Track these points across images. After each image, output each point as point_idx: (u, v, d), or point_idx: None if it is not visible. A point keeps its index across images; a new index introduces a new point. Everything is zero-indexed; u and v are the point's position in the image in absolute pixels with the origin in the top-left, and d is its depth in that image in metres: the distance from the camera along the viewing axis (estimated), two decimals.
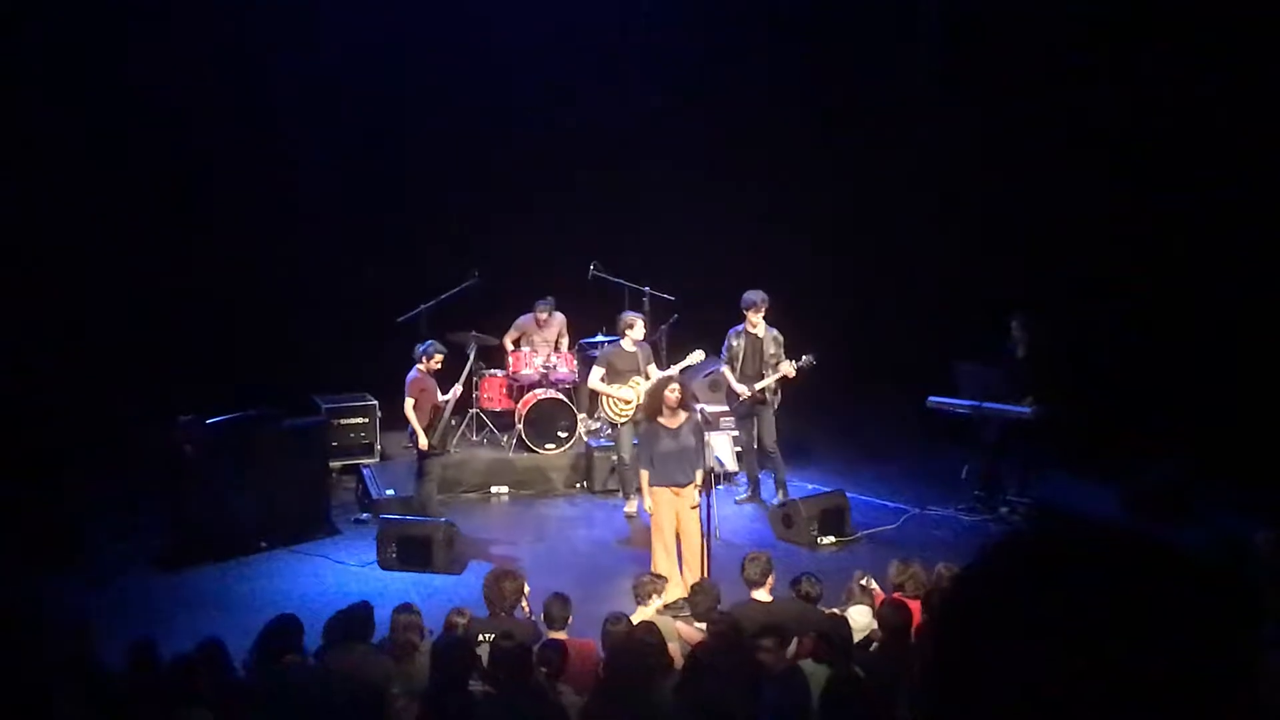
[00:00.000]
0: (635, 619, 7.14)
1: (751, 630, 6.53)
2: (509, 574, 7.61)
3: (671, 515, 8.97)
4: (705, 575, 8.55)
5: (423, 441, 10.24)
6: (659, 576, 8.03)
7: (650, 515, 9.12)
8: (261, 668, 6.40)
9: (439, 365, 10.39)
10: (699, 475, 8.99)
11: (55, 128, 12.71)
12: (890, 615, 6.71)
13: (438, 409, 10.33)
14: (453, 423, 11.07)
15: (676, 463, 8.97)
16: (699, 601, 7.48)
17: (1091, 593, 1.06)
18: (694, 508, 8.98)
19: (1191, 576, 1.10)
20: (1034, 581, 1.09)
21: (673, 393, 9.03)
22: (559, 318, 12.48)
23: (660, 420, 9.02)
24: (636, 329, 10.95)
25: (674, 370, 10.47)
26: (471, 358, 11.25)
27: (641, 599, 7.59)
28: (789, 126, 14.61)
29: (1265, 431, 10.38)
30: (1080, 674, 1.02)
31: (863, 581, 7.68)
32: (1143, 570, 1.09)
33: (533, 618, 7.44)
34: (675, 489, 8.97)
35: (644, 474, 9.05)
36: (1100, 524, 1.13)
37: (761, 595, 7.53)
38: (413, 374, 10.35)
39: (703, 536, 8.91)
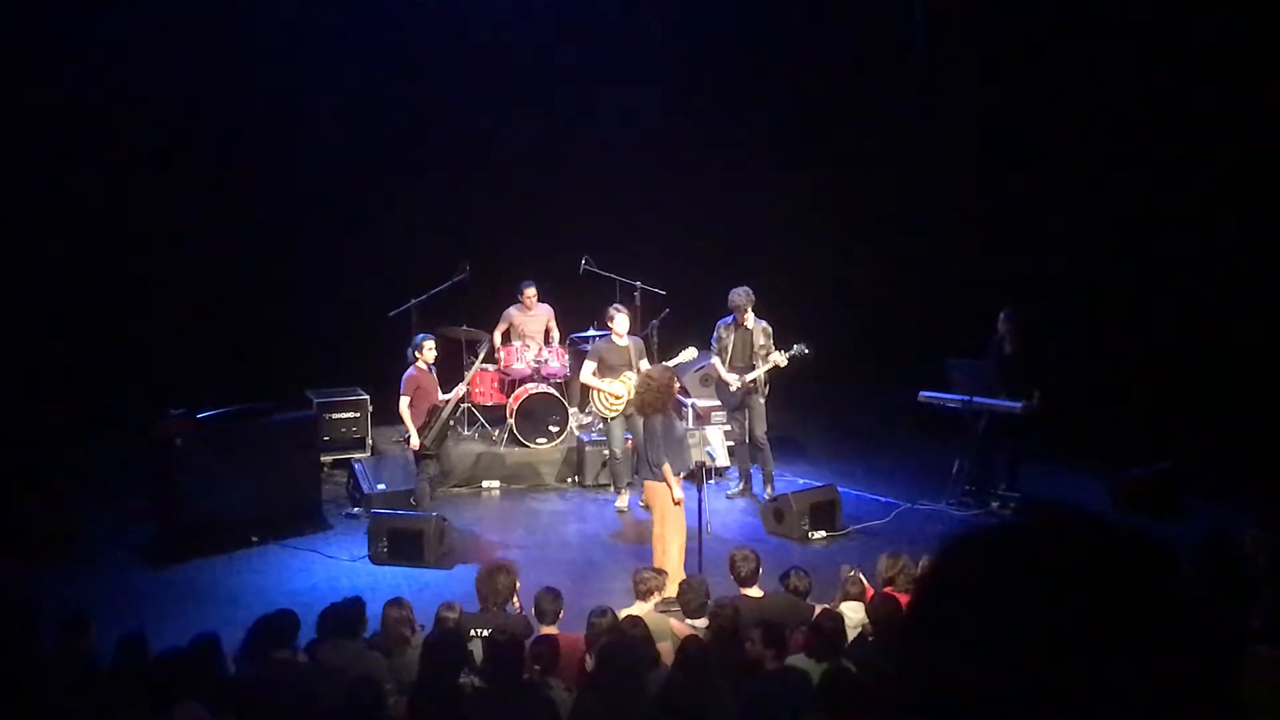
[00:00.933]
0: (631, 613, 7.12)
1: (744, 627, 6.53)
2: (502, 569, 7.56)
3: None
4: (695, 570, 8.54)
5: (414, 441, 10.18)
6: (661, 572, 7.94)
7: (650, 509, 9.04)
8: (253, 663, 6.39)
9: (434, 354, 10.31)
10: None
11: (51, 117, 12.66)
12: (881, 610, 6.71)
13: (435, 408, 10.24)
14: (451, 423, 10.83)
15: (688, 448, 8.95)
16: (689, 599, 7.46)
17: (1072, 582, 1.06)
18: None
19: (1177, 569, 1.11)
20: (1013, 570, 1.09)
21: (678, 383, 9.02)
22: (545, 308, 12.42)
23: (669, 411, 8.98)
24: (618, 321, 10.85)
25: (669, 365, 10.41)
26: (481, 356, 11.19)
27: (642, 594, 7.52)
28: (783, 120, 14.61)
29: (1255, 427, 10.41)
30: (1057, 662, 1.03)
31: (850, 574, 7.67)
32: (1126, 561, 1.09)
33: (524, 612, 7.42)
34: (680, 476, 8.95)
35: (667, 467, 8.78)
36: (1085, 515, 1.13)
37: (752, 592, 7.52)
38: (409, 371, 10.27)
39: (695, 530, 8.91)
